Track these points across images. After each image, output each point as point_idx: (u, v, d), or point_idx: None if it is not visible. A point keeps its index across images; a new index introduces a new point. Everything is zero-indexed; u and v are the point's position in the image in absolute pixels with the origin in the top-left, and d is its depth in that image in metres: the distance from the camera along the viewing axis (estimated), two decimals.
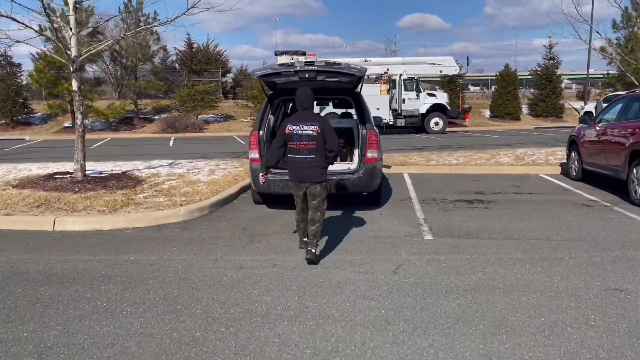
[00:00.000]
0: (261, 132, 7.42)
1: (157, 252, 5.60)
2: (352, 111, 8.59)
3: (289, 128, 5.30)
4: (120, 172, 10.07)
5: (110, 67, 33.30)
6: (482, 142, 19.66)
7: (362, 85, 7.62)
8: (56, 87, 24.57)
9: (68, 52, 8.68)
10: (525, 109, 33.24)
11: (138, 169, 10.56)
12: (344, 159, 8.34)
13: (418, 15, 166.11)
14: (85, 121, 27.48)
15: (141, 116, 29.50)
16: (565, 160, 11.45)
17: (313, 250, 5.17)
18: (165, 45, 30.25)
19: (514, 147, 15.92)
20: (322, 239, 5.96)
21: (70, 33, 8.62)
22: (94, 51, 8.99)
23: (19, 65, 28.51)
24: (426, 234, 6.34)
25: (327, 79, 6.78)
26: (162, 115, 29.28)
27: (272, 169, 7.36)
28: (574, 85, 53.66)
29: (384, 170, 11.48)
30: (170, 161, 12.41)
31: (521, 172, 11.42)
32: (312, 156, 5.22)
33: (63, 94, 24.90)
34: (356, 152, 7.65)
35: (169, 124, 26.78)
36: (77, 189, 8.22)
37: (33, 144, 21.95)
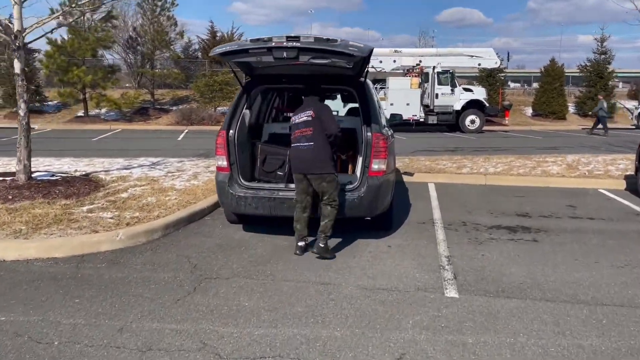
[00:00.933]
0: (231, 132, 5.53)
1: (44, 308, 3.82)
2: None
3: (293, 119, 5.13)
4: (83, 173, 8.42)
5: (130, 55, 32.06)
6: (524, 144, 17.31)
7: (367, 72, 5.60)
8: (67, 74, 23.23)
9: (11, 24, 7.04)
10: (571, 108, 30.39)
11: (107, 170, 8.89)
12: (344, 170, 6.37)
13: (458, 10, 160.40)
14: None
15: (157, 107, 28.03)
16: (631, 173, 9.23)
17: (322, 245, 4.87)
18: (183, 32, 28.61)
19: (562, 152, 13.62)
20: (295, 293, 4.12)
21: (13, 2, 6.96)
22: (42, 25, 7.30)
23: (36, 51, 27.31)
24: (449, 286, 4.38)
25: (315, 61, 4.84)
26: (180, 107, 27.80)
27: (244, 184, 5.53)
28: (620, 84, 50.60)
29: (405, 178, 9.50)
30: (156, 160, 10.73)
31: (575, 185, 9.24)
32: (310, 144, 4.85)
33: (74, 81, 23.60)
34: (360, 161, 5.68)
35: (185, 115, 25.21)
36: (10, 197, 6.57)
37: (38, 134, 20.64)
